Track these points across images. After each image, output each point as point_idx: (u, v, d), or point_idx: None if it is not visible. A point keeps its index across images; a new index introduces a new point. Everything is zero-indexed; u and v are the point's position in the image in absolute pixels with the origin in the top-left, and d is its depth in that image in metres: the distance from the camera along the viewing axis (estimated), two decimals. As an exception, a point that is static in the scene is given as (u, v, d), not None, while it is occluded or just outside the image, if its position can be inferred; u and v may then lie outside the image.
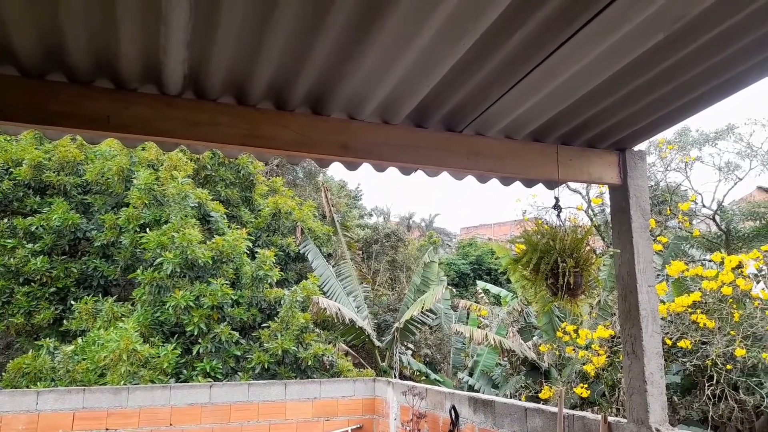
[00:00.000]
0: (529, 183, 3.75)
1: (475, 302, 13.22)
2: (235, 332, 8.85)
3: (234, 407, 7.25)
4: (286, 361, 8.93)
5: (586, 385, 6.46)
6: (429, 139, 3.23)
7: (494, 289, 12.61)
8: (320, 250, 11.80)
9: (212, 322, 8.72)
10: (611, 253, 3.65)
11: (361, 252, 16.84)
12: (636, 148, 3.65)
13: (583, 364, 6.62)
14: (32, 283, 9.50)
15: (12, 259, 9.35)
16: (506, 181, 3.72)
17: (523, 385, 8.20)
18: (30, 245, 9.52)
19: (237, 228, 10.37)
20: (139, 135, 2.71)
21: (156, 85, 2.68)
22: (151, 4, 2.06)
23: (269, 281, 9.66)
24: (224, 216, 10.54)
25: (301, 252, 11.52)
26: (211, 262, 9.03)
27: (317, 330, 10.02)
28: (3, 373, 8.25)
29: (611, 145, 3.57)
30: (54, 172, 10.23)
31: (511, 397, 7.63)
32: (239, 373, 8.70)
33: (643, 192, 3.59)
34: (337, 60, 2.51)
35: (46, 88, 2.57)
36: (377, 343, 10.65)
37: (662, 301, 5.73)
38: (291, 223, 11.94)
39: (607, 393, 6.33)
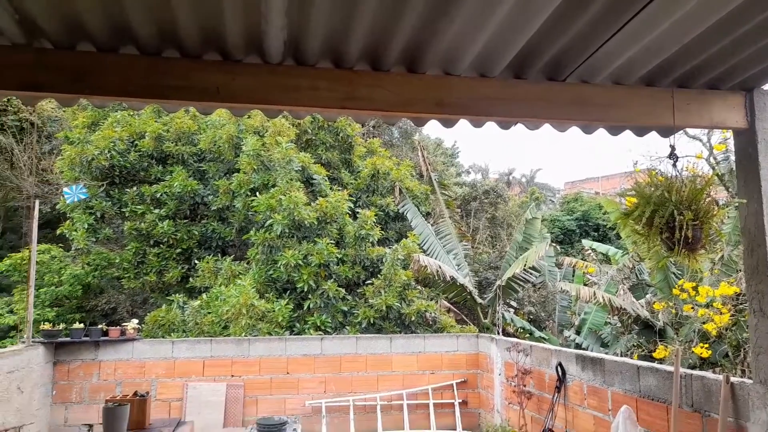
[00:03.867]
0: (640, 131, 3.50)
1: (582, 259, 12.73)
2: (341, 289, 9.27)
3: (344, 359, 7.66)
4: (390, 317, 9.23)
5: (706, 345, 6.07)
6: (529, 90, 3.10)
7: (602, 247, 12.04)
8: (418, 209, 11.89)
9: (320, 279, 9.19)
10: (736, 203, 3.34)
11: (459, 210, 16.72)
12: (766, 87, 3.26)
13: (704, 323, 6.21)
14: (161, 245, 10.51)
15: (143, 224, 10.38)
16: (614, 131, 3.50)
17: (635, 344, 7.86)
18: (157, 211, 10.49)
19: (338, 189, 10.71)
20: (246, 104, 2.86)
21: (259, 54, 2.79)
22: (251, -26, 2.14)
23: (371, 240, 9.94)
24: (326, 178, 10.91)
25: (400, 211, 11.68)
26: (316, 223, 9.45)
27: (419, 287, 10.21)
28: (143, 325, 9.30)
29: (736, 86, 3.22)
30: (172, 143, 11.09)
31: (621, 356, 7.34)
32: (347, 327, 9.15)
33: (776, 135, 3.22)
34: (430, 17, 2.46)
35: (162, 64, 2.77)
36: (479, 300, 10.66)
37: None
38: (389, 183, 12.10)
39: (731, 353, 5.92)
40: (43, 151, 15.27)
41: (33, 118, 15.01)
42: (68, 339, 7.05)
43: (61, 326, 7.52)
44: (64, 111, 14.79)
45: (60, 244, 12.03)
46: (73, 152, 10.72)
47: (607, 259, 11.87)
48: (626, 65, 2.96)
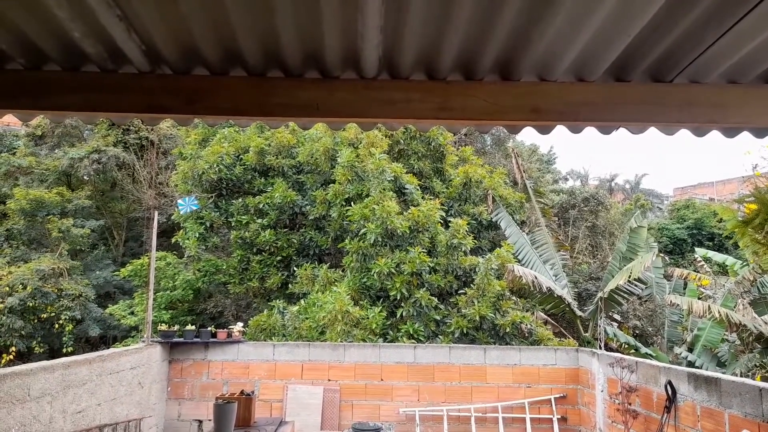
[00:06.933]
0: (760, 133, 3.21)
1: (694, 271, 11.81)
2: (433, 297, 9.28)
3: (437, 368, 7.65)
4: (484, 327, 9.09)
5: (844, 369, 5.41)
6: (632, 93, 2.96)
7: (717, 256, 11.10)
8: (513, 217, 11.63)
9: (412, 288, 9.25)
10: None
11: (556, 218, 16.13)
12: None
13: (841, 343, 5.54)
14: (263, 253, 11.10)
15: (247, 233, 11.02)
16: (730, 133, 3.24)
17: (757, 364, 7.17)
18: (259, 220, 11.10)
19: (430, 198, 10.74)
20: (343, 118, 2.98)
21: (355, 70, 2.90)
22: (348, -5, 2.24)
23: (463, 249, 9.86)
24: (418, 187, 10.99)
25: (493, 220, 11.49)
26: (408, 232, 9.54)
27: (514, 298, 9.97)
28: (247, 328, 9.85)
29: None
30: (273, 156, 11.70)
31: (741, 377, 6.72)
32: (440, 337, 9.12)
33: None
34: (524, 23, 2.44)
35: (266, 84, 2.96)
36: (578, 313, 10.20)
37: None
38: (482, 191, 11.95)
39: None
40: (160, 167, 16.71)
41: (152, 136, 16.49)
42: (182, 339, 7.64)
43: (175, 328, 8.15)
44: (178, 129, 16.09)
45: (174, 252, 13.09)
46: (186, 167, 11.63)
47: (723, 271, 10.94)
48: (741, 63, 2.75)
